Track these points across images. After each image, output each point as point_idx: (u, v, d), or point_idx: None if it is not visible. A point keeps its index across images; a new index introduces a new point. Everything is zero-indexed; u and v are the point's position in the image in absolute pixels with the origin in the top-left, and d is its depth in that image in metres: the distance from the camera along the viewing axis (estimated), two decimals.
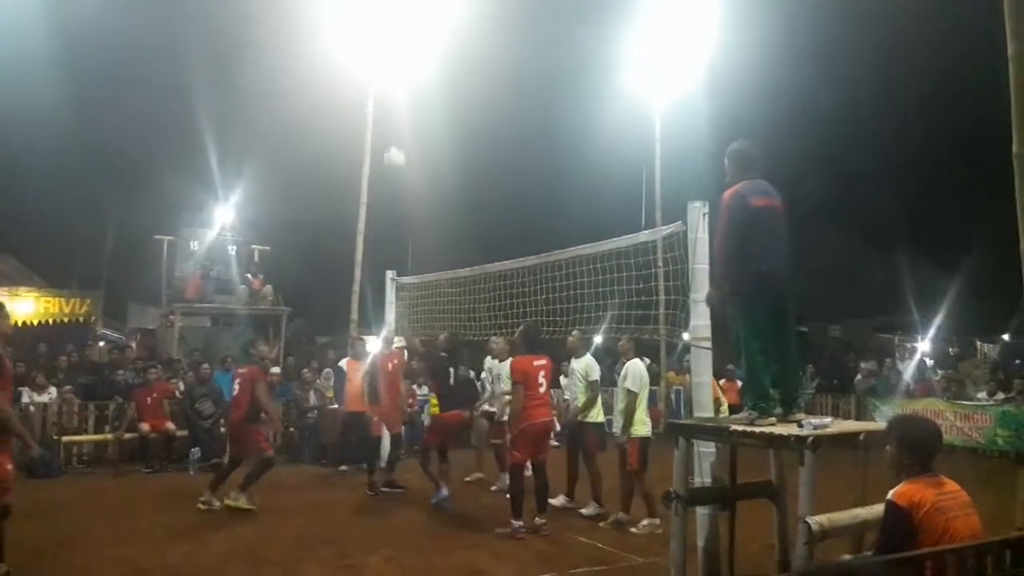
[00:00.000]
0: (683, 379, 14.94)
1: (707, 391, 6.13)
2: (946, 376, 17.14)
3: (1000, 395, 14.92)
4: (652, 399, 10.73)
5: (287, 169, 22.13)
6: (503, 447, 9.77)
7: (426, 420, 12.35)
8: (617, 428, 8.66)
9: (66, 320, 18.61)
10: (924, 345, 21.68)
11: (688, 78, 15.40)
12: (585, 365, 9.07)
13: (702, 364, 6.14)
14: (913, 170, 26.47)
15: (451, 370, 9.25)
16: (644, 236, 7.63)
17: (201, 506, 8.79)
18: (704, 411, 6.05)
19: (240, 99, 22.29)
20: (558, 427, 10.21)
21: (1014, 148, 4.27)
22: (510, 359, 9.68)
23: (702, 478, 5.72)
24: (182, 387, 13.46)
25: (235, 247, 19.59)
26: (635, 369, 8.35)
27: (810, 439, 4.44)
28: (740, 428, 4.96)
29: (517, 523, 7.70)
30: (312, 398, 13.64)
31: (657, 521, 7.80)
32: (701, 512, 5.59)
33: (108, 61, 20.83)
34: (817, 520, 4.02)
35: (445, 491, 8.96)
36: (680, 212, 6.35)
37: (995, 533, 3.55)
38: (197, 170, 20.79)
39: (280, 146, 21.34)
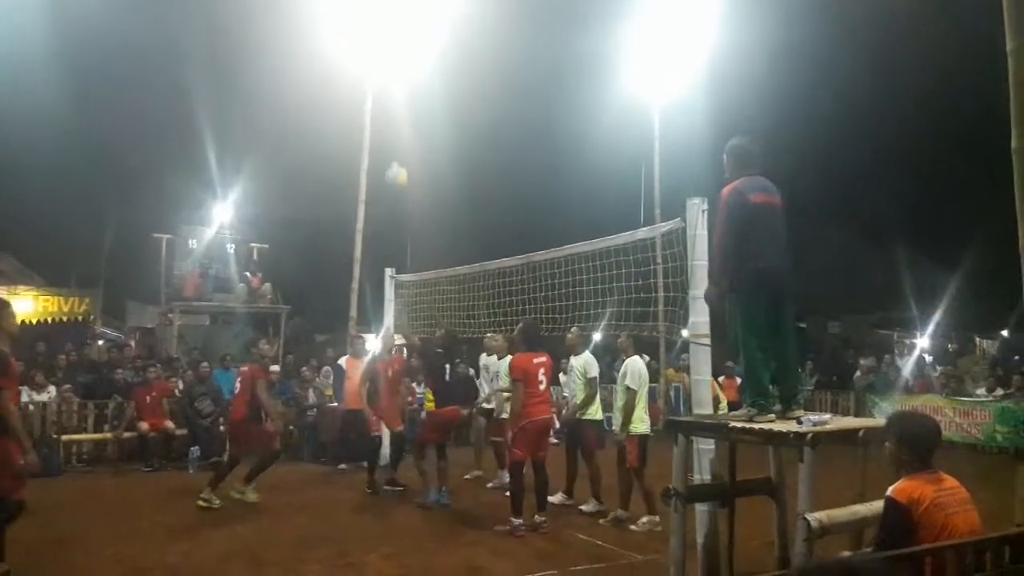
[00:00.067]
0: (682, 376, 14.95)
1: (706, 388, 6.14)
2: (945, 372, 17.14)
3: (999, 391, 14.92)
4: (651, 396, 10.73)
5: (286, 167, 22.16)
6: (503, 444, 9.76)
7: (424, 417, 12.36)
8: (616, 425, 8.66)
9: (65, 319, 18.63)
10: (923, 341, 21.71)
11: (687, 75, 15.38)
12: (584, 362, 9.06)
13: (701, 361, 6.14)
14: (912, 166, 26.48)
15: (447, 366, 9.25)
16: (643, 233, 7.64)
17: (201, 503, 8.80)
18: (703, 408, 6.05)
19: (239, 97, 22.34)
20: (557, 424, 10.22)
21: (1013, 143, 4.27)
22: (508, 357, 9.71)
23: (701, 475, 5.73)
24: (181, 386, 13.45)
25: (234, 245, 19.59)
26: (634, 366, 8.34)
27: (809, 436, 4.43)
28: (739, 425, 4.95)
29: (517, 521, 7.69)
30: (311, 396, 13.64)
31: (657, 518, 7.80)
32: (701, 509, 5.59)
33: (106, 60, 20.84)
34: (816, 517, 4.02)
35: (433, 494, 8.98)
36: (679, 209, 6.36)
37: (994, 529, 3.54)
38: (195, 168, 20.83)
39: (279, 144, 21.37)
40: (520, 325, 8.43)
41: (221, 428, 12.64)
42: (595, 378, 9.01)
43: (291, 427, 13.06)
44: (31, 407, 11.77)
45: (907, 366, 17.87)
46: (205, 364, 13.41)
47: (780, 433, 4.68)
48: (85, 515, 8.45)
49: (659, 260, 7.31)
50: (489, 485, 10.42)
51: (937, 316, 22.35)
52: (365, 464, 10.41)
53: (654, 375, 13.89)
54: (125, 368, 13.55)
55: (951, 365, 18.13)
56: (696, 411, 6.06)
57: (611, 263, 7.94)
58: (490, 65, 18.51)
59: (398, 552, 7.06)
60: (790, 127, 20.90)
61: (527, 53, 21.84)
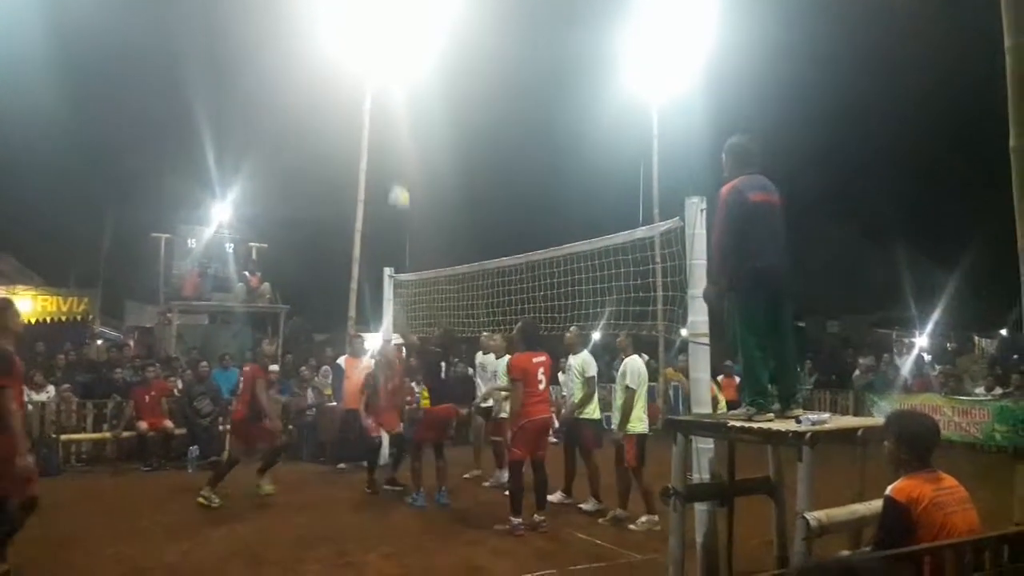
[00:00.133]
0: (680, 376, 14.92)
1: (705, 387, 6.13)
2: (944, 371, 17.14)
3: (998, 390, 14.92)
4: (650, 395, 10.73)
5: (285, 167, 22.17)
6: (502, 444, 9.76)
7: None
8: (615, 424, 8.66)
9: (64, 318, 18.61)
10: (922, 340, 21.70)
11: (685, 74, 15.39)
12: (582, 361, 9.06)
13: (700, 360, 6.13)
14: (911, 165, 26.46)
15: (442, 364, 9.24)
16: (641, 232, 7.63)
17: (201, 500, 8.81)
18: (702, 407, 6.05)
19: (237, 97, 22.32)
20: (556, 424, 10.22)
21: (1011, 142, 4.27)
22: (507, 356, 9.70)
23: (700, 474, 5.72)
24: (180, 385, 13.45)
25: (233, 245, 19.59)
26: (633, 366, 8.34)
27: (808, 435, 4.43)
28: (738, 424, 4.95)
29: (516, 520, 7.70)
30: (310, 396, 13.63)
31: (656, 518, 7.80)
32: (700, 508, 5.59)
33: (105, 60, 20.83)
34: (815, 516, 4.02)
35: (421, 500, 8.98)
36: (678, 208, 6.35)
37: (993, 528, 3.54)
38: (194, 168, 20.85)
39: (278, 144, 21.37)
40: (519, 324, 8.42)
41: (220, 427, 12.66)
42: (593, 377, 9.01)
43: (290, 426, 13.06)
44: (30, 407, 11.75)
45: (906, 365, 17.85)
46: (204, 363, 13.41)
47: (779, 432, 4.68)
48: (84, 515, 8.45)
49: (658, 259, 7.30)
50: (486, 484, 10.43)
51: (936, 315, 22.36)
52: (364, 464, 10.41)
53: (653, 374, 13.88)
54: (124, 368, 13.54)
55: (950, 364, 18.12)
56: (695, 410, 6.06)
57: (610, 262, 7.93)
58: (489, 65, 18.52)
59: (398, 551, 7.06)
60: (789, 126, 20.89)
61: (526, 53, 21.86)
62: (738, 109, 18.69)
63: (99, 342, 18.12)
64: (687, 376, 8.25)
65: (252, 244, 20.31)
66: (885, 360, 17.73)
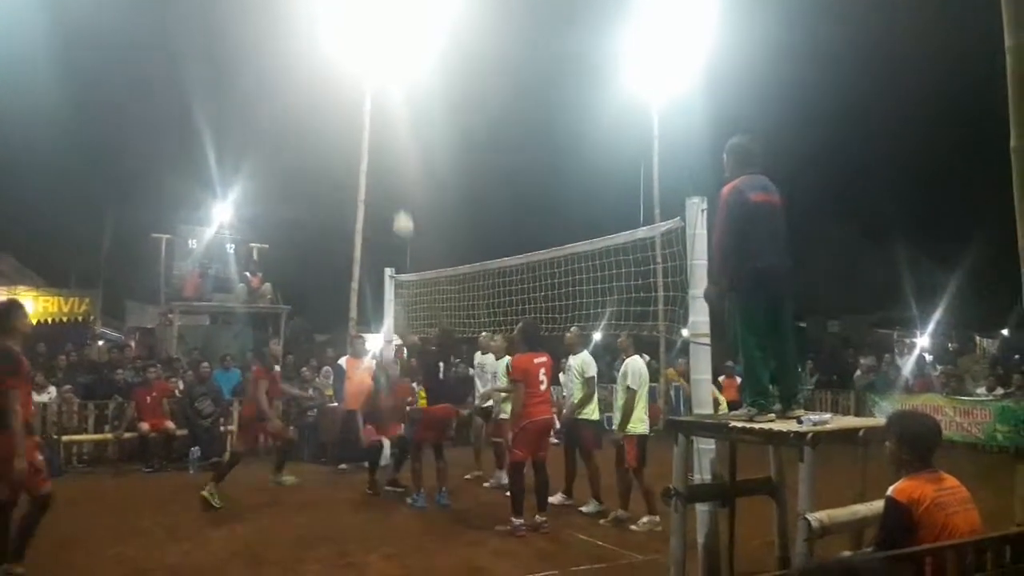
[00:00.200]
0: (681, 381, 14.90)
1: (706, 387, 6.13)
2: (945, 371, 17.13)
3: (999, 390, 14.91)
4: (652, 396, 10.72)
5: (285, 167, 22.18)
6: (502, 445, 9.76)
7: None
8: (616, 425, 8.65)
9: (65, 319, 18.63)
10: (923, 340, 21.70)
11: (686, 74, 15.39)
12: (581, 361, 9.04)
13: (701, 361, 6.13)
14: (911, 165, 26.47)
15: (440, 364, 9.23)
16: (642, 232, 7.63)
17: (205, 495, 8.82)
18: (703, 408, 6.04)
19: (238, 97, 22.33)
20: (557, 424, 10.22)
21: (1012, 142, 4.26)
22: (507, 357, 9.70)
23: (702, 475, 5.72)
24: (181, 386, 13.44)
25: (233, 245, 19.55)
26: (634, 366, 8.33)
27: (809, 435, 4.43)
28: (739, 424, 4.95)
29: (517, 521, 7.69)
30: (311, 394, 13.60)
31: (657, 518, 7.79)
32: (701, 509, 5.58)
33: (106, 61, 20.85)
34: (817, 516, 4.02)
35: (422, 501, 8.98)
36: (678, 208, 6.35)
37: (994, 529, 3.54)
38: (195, 168, 20.84)
39: (278, 144, 21.38)
40: (520, 325, 8.42)
41: (221, 428, 12.66)
42: (592, 377, 8.99)
43: (291, 427, 13.06)
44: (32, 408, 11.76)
45: (907, 365, 17.85)
46: (205, 364, 13.41)
47: (780, 433, 4.68)
48: (86, 516, 8.44)
49: (659, 259, 7.30)
50: (486, 484, 10.42)
51: (937, 315, 22.36)
52: (366, 464, 10.41)
53: (654, 375, 13.89)
54: (125, 368, 13.54)
55: (951, 364, 18.12)
56: (696, 411, 6.06)
57: (611, 263, 7.92)
58: (490, 65, 18.54)
59: (399, 552, 7.05)
60: (790, 126, 20.92)
61: (526, 53, 21.87)
62: (738, 109, 18.71)
63: (100, 343, 18.13)
64: (687, 380, 8.27)
65: (253, 244, 20.29)
66: (886, 360, 17.73)
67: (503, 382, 9.88)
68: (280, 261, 21.07)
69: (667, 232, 6.79)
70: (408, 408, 10.73)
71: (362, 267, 13.49)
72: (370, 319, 15.03)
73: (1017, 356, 19.27)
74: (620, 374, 8.53)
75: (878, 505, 3.75)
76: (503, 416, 9.73)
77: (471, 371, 12.16)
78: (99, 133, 22.21)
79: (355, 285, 13.42)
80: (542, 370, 7.94)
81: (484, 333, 10.63)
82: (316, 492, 10.06)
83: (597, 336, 14.41)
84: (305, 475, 11.29)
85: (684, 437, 5.31)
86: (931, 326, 22.41)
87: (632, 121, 16.76)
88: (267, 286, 18.90)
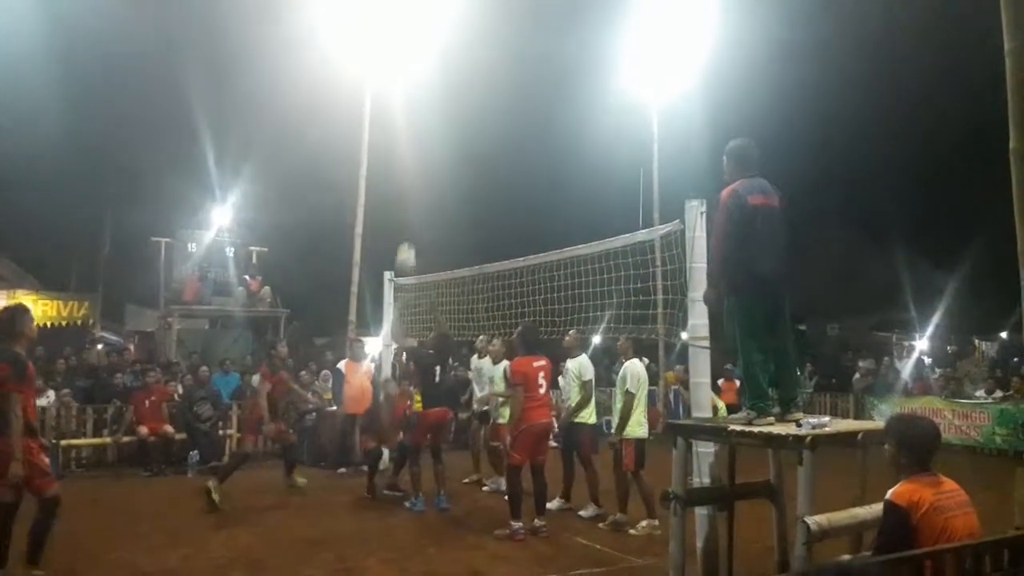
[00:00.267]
0: (681, 388, 14.88)
1: (706, 391, 6.13)
2: (944, 374, 17.16)
3: (998, 393, 14.93)
4: (651, 399, 10.71)
5: (284, 171, 22.18)
6: (500, 449, 9.72)
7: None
8: (614, 428, 8.64)
9: (64, 323, 18.64)
10: (922, 343, 21.73)
11: (685, 77, 15.39)
12: (578, 364, 9.02)
13: (700, 364, 6.13)
14: (911, 167, 26.49)
15: (437, 368, 9.23)
16: (642, 235, 7.63)
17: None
18: (702, 411, 6.04)
19: (237, 101, 22.32)
20: (556, 428, 10.21)
21: (1011, 144, 4.27)
22: (504, 361, 9.69)
23: (701, 478, 5.71)
24: (180, 390, 13.44)
25: (233, 249, 19.56)
26: (633, 370, 8.32)
27: (808, 438, 4.43)
28: (738, 428, 4.95)
29: (516, 524, 7.68)
30: (311, 398, 13.58)
31: (656, 522, 7.79)
32: (700, 513, 5.58)
33: (105, 64, 20.85)
34: (816, 520, 4.02)
35: (421, 505, 8.97)
36: (678, 211, 6.35)
37: (993, 532, 3.54)
38: (194, 172, 20.85)
39: (277, 147, 21.37)
40: (519, 328, 8.41)
41: (220, 432, 12.65)
42: (589, 381, 8.96)
43: (290, 430, 13.06)
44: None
45: (906, 368, 17.88)
46: (204, 368, 13.42)
47: (779, 436, 4.68)
48: (85, 520, 8.43)
49: (658, 262, 7.30)
50: (485, 488, 10.40)
51: (936, 318, 22.38)
52: (365, 468, 10.41)
53: (653, 378, 13.88)
54: (124, 372, 13.54)
55: (950, 367, 18.14)
56: (695, 414, 6.06)
57: (610, 266, 7.93)
58: (489, 67, 18.54)
59: (397, 556, 7.05)
60: (790, 130, 20.94)
61: (526, 55, 21.90)
62: (738, 112, 18.72)
63: (99, 347, 18.10)
64: (686, 388, 8.26)
65: (252, 248, 20.29)
66: (885, 363, 17.75)
67: (500, 387, 9.89)
68: (279, 265, 21.07)
69: (666, 235, 6.79)
70: (408, 414, 10.74)
71: (361, 270, 13.47)
72: (369, 323, 15.01)
73: (1016, 359, 19.24)
74: (619, 378, 8.52)
75: (877, 508, 3.75)
76: (501, 421, 9.71)
77: (469, 374, 12.15)
78: (98, 136, 22.22)
79: (354, 288, 13.41)
80: (541, 374, 7.93)
81: (481, 337, 10.61)
82: (315, 496, 10.04)
83: (597, 339, 14.41)
84: (304, 479, 11.30)
85: (683, 440, 5.31)
86: (930, 329, 22.44)
87: (632, 124, 16.77)
88: (266, 290, 18.90)
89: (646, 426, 8.29)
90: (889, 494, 3.57)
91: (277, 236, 21.89)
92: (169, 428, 12.19)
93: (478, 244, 21.19)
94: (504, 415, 9.36)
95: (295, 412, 13.28)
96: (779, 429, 4.80)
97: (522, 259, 9.42)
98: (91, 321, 19.19)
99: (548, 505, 8.33)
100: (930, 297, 23.03)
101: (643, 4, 15.19)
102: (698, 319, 5.98)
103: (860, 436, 4.72)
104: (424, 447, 9.21)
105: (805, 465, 4.40)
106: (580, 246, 8.37)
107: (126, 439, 12.01)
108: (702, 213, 6.05)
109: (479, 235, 24.56)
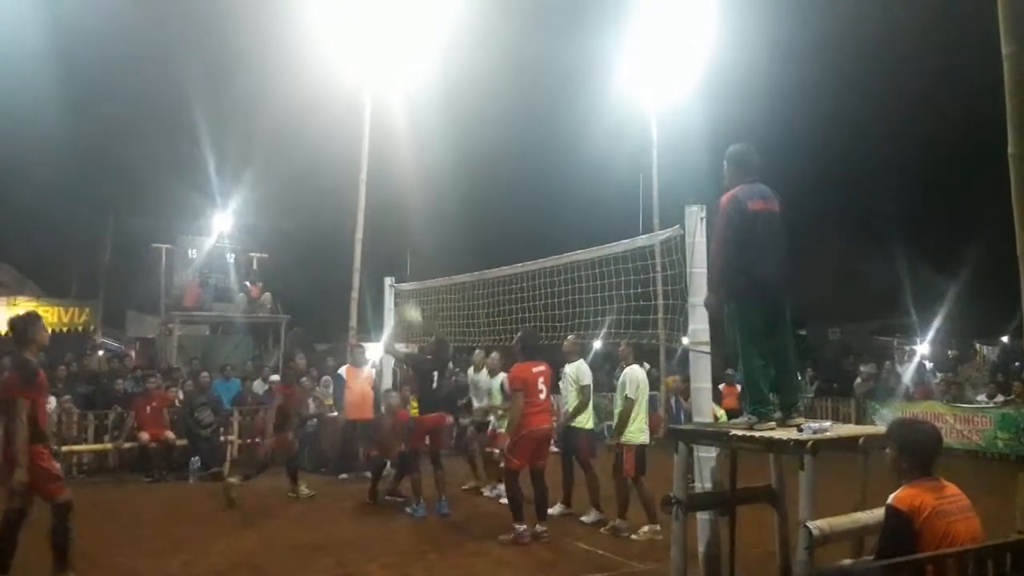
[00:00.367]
0: (680, 397, 14.85)
1: (706, 396, 6.12)
2: (945, 379, 17.13)
3: (1000, 398, 14.90)
4: (652, 404, 10.69)
5: (285, 176, 22.17)
6: (497, 456, 9.70)
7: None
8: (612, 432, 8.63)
9: (65, 329, 18.59)
10: (923, 348, 21.71)
11: (685, 82, 15.41)
12: (576, 369, 9.01)
13: (701, 369, 6.12)
14: (911, 172, 26.54)
15: (435, 374, 9.22)
16: (642, 241, 7.64)
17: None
18: (703, 416, 6.03)
19: (237, 107, 22.34)
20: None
21: (1010, 149, 4.27)
22: (502, 374, 9.68)
23: (702, 483, 5.71)
24: (181, 396, 13.42)
25: (233, 255, 19.58)
26: (633, 375, 8.31)
27: (810, 443, 4.42)
28: (740, 433, 4.95)
29: (520, 527, 7.66)
30: (311, 406, 13.59)
31: (657, 527, 7.77)
32: (701, 517, 5.58)
33: (105, 69, 20.88)
34: (818, 525, 4.01)
35: (422, 511, 8.95)
36: (678, 216, 6.35)
37: (995, 536, 3.53)
38: (195, 178, 20.88)
39: (278, 153, 21.39)
40: (519, 334, 8.41)
41: (221, 438, 12.63)
42: (588, 386, 8.95)
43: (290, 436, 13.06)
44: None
45: (907, 373, 17.86)
46: (205, 374, 13.40)
47: (781, 441, 4.67)
48: (86, 526, 8.35)
49: (658, 268, 7.31)
50: (485, 493, 10.37)
51: (937, 322, 22.36)
52: (367, 474, 10.40)
53: (654, 383, 13.87)
54: (125, 378, 13.55)
55: (951, 372, 18.11)
56: (696, 419, 6.05)
57: (610, 271, 7.93)
58: (489, 72, 18.56)
59: (399, 562, 7.04)
60: (789, 134, 20.95)
61: (526, 60, 21.90)
62: (738, 116, 18.74)
63: (100, 353, 18.10)
64: (685, 398, 8.24)
65: (253, 254, 20.31)
66: (886, 368, 17.72)
67: (497, 400, 9.87)
68: (280, 270, 21.09)
69: (666, 240, 6.80)
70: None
71: (362, 276, 13.48)
72: (370, 328, 15.02)
73: (1017, 363, 19.24)
74: (619, 383, 8.51)
75: (879, 513, 3.74)
76: (500, 430, 9.69)
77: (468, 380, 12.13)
78: (99, 143, 22.25)
79: (355, 294, 13.41)
80: (541, 379, 7.92)
81: (477, 351, 10.60)
82: (316, 502, 10.03)
83: (597, 345, 14.40)
84: (305, 484, 11.29)
85: (685, 445, 5.30)
86: (931, 333, 22.42)
87: (631, 129, 16.80)
88: (267, 295, 18.91)
89: (647, 432, 8.27)
90: (891, 499, 3.57)
91: (277, 242, 21.94)
92: (170, 434, 12.18)
93: (479, 249, 21.23)
94: (504, 425, 9.34)
95: (297, 418, 13.28)
96: (780, 434, 4.80)
97: (522, 264, 9.43)
98: (92, 327, 19.15)
99: (549, 510, 8.31)
100: (931, 301, 23.02)
101: (642, 9, 15.22)
102: (699, 324, 5.99)
103: (861, 441, 4.72)
104: (423, 453, 9.20)
105: (807, 470, 4.39)
106: (580, 251, 8.38)
107: (127, 445, 12.01)
108: (702, 218, 6.06)
109: (479, 240, 24.61)
